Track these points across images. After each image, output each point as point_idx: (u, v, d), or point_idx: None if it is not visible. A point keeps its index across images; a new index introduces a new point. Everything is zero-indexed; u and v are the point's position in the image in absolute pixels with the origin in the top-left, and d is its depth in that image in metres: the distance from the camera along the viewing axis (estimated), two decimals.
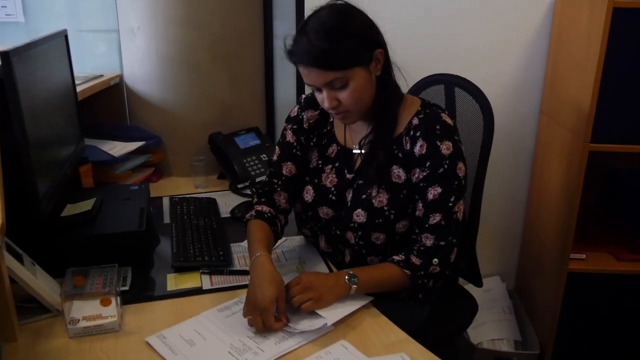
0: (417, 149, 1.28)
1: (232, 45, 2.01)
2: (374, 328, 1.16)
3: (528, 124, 2.32)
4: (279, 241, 1.49)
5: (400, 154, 1.32)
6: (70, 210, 1.42)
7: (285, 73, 2.22)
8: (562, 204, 2.02)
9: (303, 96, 1.47)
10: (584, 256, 2.02)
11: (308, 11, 1.28)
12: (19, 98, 1.17)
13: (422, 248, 1.29)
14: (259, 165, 1.99)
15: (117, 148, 1.88)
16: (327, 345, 1.09)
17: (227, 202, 1.82)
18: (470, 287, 1.68)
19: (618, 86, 1.78)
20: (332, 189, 1.40)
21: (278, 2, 2.13)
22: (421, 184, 1.29)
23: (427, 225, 1.29)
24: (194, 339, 1.11)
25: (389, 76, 1.31)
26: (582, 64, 1.87)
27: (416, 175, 1.30)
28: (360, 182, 1.36)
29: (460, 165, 1.29)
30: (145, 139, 1.97)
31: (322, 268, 1.41)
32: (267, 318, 1.12)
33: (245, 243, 1.49)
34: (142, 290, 1.30)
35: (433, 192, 1.28)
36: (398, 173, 1.32)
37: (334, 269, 1.40)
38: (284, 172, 1.44)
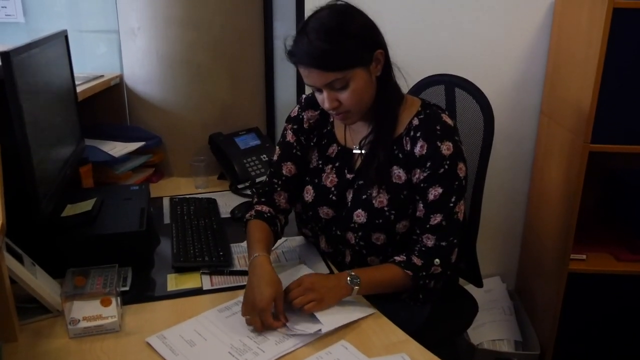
0: (417, 150, 1.28)
1: (232, 45, 2.01)
2: (375, 328, 1.16)
3: (528, 124, 2.32)
4: (279, 241, 1.49)
5: (400, 155, 1.32)
6: (70, 210, 1.42)
7: (285, 73, 2.22)
8: (563, 204, 2.02)
9: (303, 96, 1.47)
10: (584, 256, 2.02)
11: (308, 12, 1.28)
12: (19, 98, 1.17)
13: (423, 249, 1.29)
14: (259, 166, 1.99)
15: (118, 148, 1.88)
16: (328, 346, 1.09)
17: (227, 202, 1.82)
18: (470, 288, 1.68)
19: (618, 86, 1.78)
20: (333, 189, 1.40)
21: (278, 3, 2.13)
22: (422, 185, 1.29)
23: (428, 226, 1.29)
24: (194, 339, 1.11)
25: (389, 77, 1.31)
26: (582, 64, 1.87)
27: (417, 176, 1.30)
28: (361, 182, 1.36)
29: (461, 165, 1.29)
30: (146, 139, 1.98)
31: (323, 268, 1.41)
32: (265, 318, 1.12)
33: (245, 243, 1.49)
34: (142, 291, 1.30)
35: (434, 193, 1.28)
36: (398, 173, 1.32)
37: (335, 270, 1.40)
38: (284, 172, 1.44)
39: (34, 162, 1.22)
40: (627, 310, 2.04)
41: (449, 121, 1.30)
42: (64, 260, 1.27)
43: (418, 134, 1.29)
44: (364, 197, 1.34)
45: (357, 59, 1.22)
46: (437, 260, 1.28)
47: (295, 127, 1.45)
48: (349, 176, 1.39)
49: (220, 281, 1.34)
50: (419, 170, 1.29)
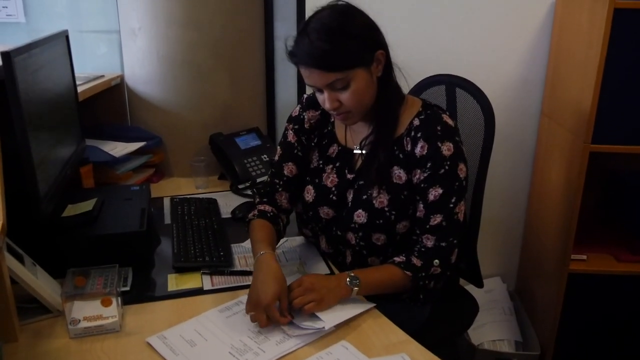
0: (418, 150, 1.28)
1: (233, 46, 2.01)
2: (375, 329, 1.16)
3: (529, 124, 2.32)
4: (280, 241, 1.49)
5: (401, 155, 1.32)
6: (71, 210, 1.42)
7: (285, 74, 2.22)
8: (563, 205, 2.02)
9: (304, 96, 1.48)
10: (584, 257, 2.02)
11: (309, 12, 1.28)
12: (20, 98, 1.17)
13: (423, 249, 1.29)
14: (260, 166, 1.99)
15: (118, 148, 1.88)
16: (328, 346, 1.09)
17: (227, 202, 1.82)
18: (471, 288, 1.68)
19: (619, 87, 1.78)
20: (333, 189, 1.40)
21: (279, 3, 2.13)
22: (422, 185, 1.29)
23: (428, 226, 1.29)
24: (194, 339, 1.11)
25: (390, 77, 1.31)
26: (583, 64, 1.87)
27: (417, 176, 1.30)
28: (361, 182, 1.36)
29: (461, 166, 1.29)
30: (146, 140, 1.98)
31: (323, 269, 1.41)
32: (271, 313, 1.12)
33: (246, 243, 1.49)
34: (142, 291, 1.30)
35: (434, 193, 1.28)
36: (399, 174, 1.32)
37: (335, 270, 1.40)
38: (285, 172, 1.45)
39: (34, 162, 1.22)
40: (628, 310, 2.04)
41: (450, 122, 1.30)
42: (65, 261, 1.27)
43: (419, 135, 1.29)
44: (364, 197, 1.34)
45: (358, 59, 1.22)
46: (436, 260, 1.28)
47: (296, 127, 1.45)
48: (349, 176, 1.39)
49: (220, 281, 1.34)
50: (419, 171, 1.29)
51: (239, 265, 1.41)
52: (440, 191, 1.27)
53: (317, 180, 1.42)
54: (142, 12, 1.94)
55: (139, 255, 1.38)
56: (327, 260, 1.45)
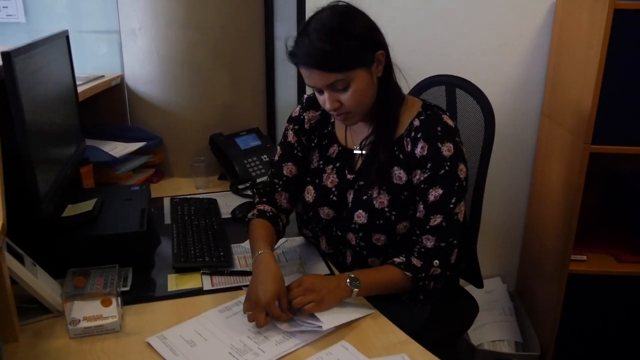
0: (418, 150, 1.28)
1: (233, 46, 2.01)
2: (375, 329, 1.16)
3: (529, 125, 2.32)
4: (280, 242, 1.49)
5: (401, 155, 1.32)
6: (71, 210, 1.42)
7: (286, 74, 2.22)
8: (563, 205, 2.02)
9: (305, 96, 1.48)
10: (584, 257, 2.02)
11: (309, 12, 1.28)
12: (20, 99, 1.17)
13: (422, 250, 1.29)
14: (260, 166, 1.99)
15: (118, 149, 1.88)
16: (328, 346, 1.09)
17: (227, 202, 1.82)
18: (471, 289, 1.68)
19: (619, 87, 1.78)
20: (333, 189, 1.40)
21: (279, 4, 2.13)
22: (422, 186, 1.29)
23: (428, 227, 1.29)
24: (194, 339, 1.11)
25: (390, 77, 1.31)
26: (583, 65, 1.87)
27: (417, 177, 1.30)
28: (361, 183, 1.36)
29: (461, 166, 1.29)
30: (146, 140, 1.98)
31: (323, 269, 1.41)
32: (271, 311, 1.12)
33: (246, 244, 1.49)
34: (142, 291, 1.30)
35: (434, 194, 1.28)
36: (399, 174, 1.32)
37: (335, 270, 1.40)
38: (285, 172, 1.45)
39: (34, 163, 1.22)
40: (628, 311, 2.04)
41: (450, 122, 1.30)
42: (65, 261, 1.27)
43: (419, 135, 1.29)
44: (364, 197, 1.34)
45: (358, 59, 1.22)
46: (436, 261, 1.28)
47: (296, 127, 1.45)
48: (349, 177, 1.39)
49: (220, 281, 1.34)
50: (419, 171, 1.29)
51: (239, 266, 1.41)
52: (440, 192, 1.27)
53: (317, 181, 1.42)
54: (143, 12, 1.94)
55: (139, 255, 1.38)
56: (327, 260, 1.45)
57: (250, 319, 1.14)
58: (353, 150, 1.40)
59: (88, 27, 2.17)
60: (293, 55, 1.25)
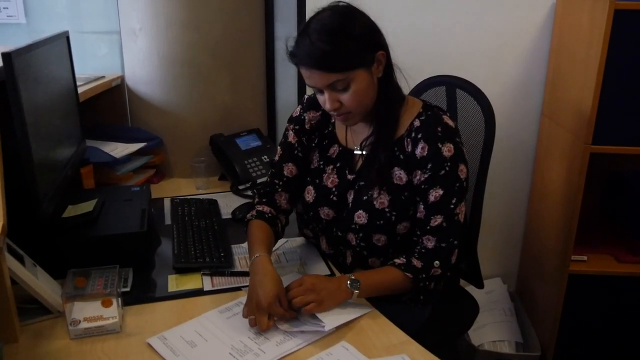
0: (418, 151, 1.28)
1: (233, 46, 2.01)
2: (375, 329, 1.16)
3: (529, 125, 2.32)
4: (280, 242, 1.49)
5: (401, 156, 1.32)
6: (71, 211, 1.42)
7: (286, 74, 2.22)
8: (564, 206, 2.02)
9: (305, 97, 1.48)
10: (585, 258, 2.02)
11: (309, 13, 1.28)
12: (20, 99, 1.17)
13: (423, 250, 1.29)
14: (260, 167, 1.99)
15: (119, 149, 1.88)
16: (328, 347, 1.09)
17: (228, 203, 1.82)
18: (471, 289, 1.68)
19: (619, 88, 1.78)
20: (333, 189, 1.40)
21: (279, 4, 2.13)
22: (422, 186, 1.29)
23: (428, 227, 1.29)
24: (195, 340, 1.11)
25: (391, 78, 1.31)
26: (583, 65, 1.87)
27: (417, 177, 1.30)
28: (362, 183, 1.36)
29: (462, 167, 1.29)
30: (147, 140, 1.98)
31: (323, 269, 1.41)
32: (275, 311, 1.12)
33: (246, 244, 1.49)
34: (143, 292, 1.30)
35: (434, 194, 1.28)
36: (399, 175, 1.32)
37: (336, 271, 1.40)
38: (285, 172, 1.45)
39: (35, 163, 1.22)
40: (628, 311, 2.04)
41: (450, 123, 1.30)
42: (65, 261, 1.27)
43: (419, 136, 1.29)
44: (364, 198, 1.34)
45: (358, 60, 1.22)
46: (437, 262, 1.28)
47: (296, 127, 1.45)
48: (349, 177, 1.39)
49: (221, 282, 1.34)
50: (419, 172, 1.29)
51: (239, 266, 1.41)
52: (441, 192, 1.27)
53: (317, 181, 1.42)
54: (143, 12, 1.94)
55: (140, 256, 1.38)
56: (328, 260, 1.45)
57: (252, 324, 1.14)
58: (353, 151, 1.40)
59: (88, 27, 2.17)
60: (293, 56, 1.25)
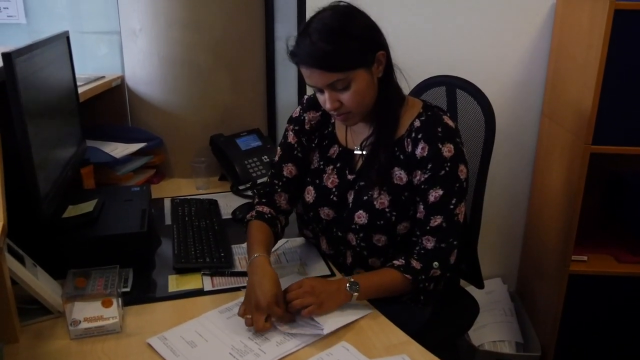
0: (418, 151, 1.28)
1: (233, 47, 2.01)
2: (375, 330, 1.16)
3: (529, 125, 2.32)
4: (280, 242, 1.49)
5: (401, 156, 1.32)
6: (71, 211, 1.42)
7: (286, 75, 2.22)
8: (564, 206, 2.02)
9: (305, 97, 1.48)
10: (585, 258, 2.02)
11: (309, 13, 1.28)
12: (20, 99, 1.17)
13: (422, 251, 1.29)
14: (260, 167, 1.99)
15: (119, 149, 1.88)
16: (329, 347, 1.09)
17: (228, 203, 1.82)
18: (471, 289, 1.68)
19: (619, 88, 1.78)
20: (333, 189, 1.40)
21: (279, 4, 2.13)
22: (422, 186, 1.29)
23: (428, 228, 1.29)
24: (195, 340, 1.11)
25: (391, 78, 1.31)
26: (583, 65, 1.87)
27: (417, 178, 1.30)
28: (362, 183, 1.36)
29: (462, 167, 1.29)
30: (147, 141, 1.98)
31: (324, 269, 1.41)
32: (273, 312, 1.12)
33: (246, 245, 1.49)
34: (143, 292, 1.30)
35: (434, 195, 1.28)
36: (399, 175, 1.32)
37: (336, 271, 1.40)
38: (285, 173, 1.45)
39: (35, 163, 1.22)
40: (628, 311, 2.04)
41: (451, 123, 1.30)
42: (65, 261, 1.27)
43: (419, 136, 1.29)
44: (364, 198, 1.34)
45: (359, 60, 1.22)
46: (436, 263, 1.28)
47: (296, 128, 1.45)
48: (349, 177, 1.39)
49: (221, 282, 1.34)
50: (419, 172, 1.29)
51: (239, 266, 1.41)
52: (441, 192, 1.27)
53: (317, 181, 1.42)
54: (143, 13, 1.94)
55: (140, 256, 1.38)
56: (328, 261, 1.45)
57: (248, 323, 1.14)
58: (353, 151, 1.40)
59: (89, 28, 2.17)
60: (294, 55, 1.25)
